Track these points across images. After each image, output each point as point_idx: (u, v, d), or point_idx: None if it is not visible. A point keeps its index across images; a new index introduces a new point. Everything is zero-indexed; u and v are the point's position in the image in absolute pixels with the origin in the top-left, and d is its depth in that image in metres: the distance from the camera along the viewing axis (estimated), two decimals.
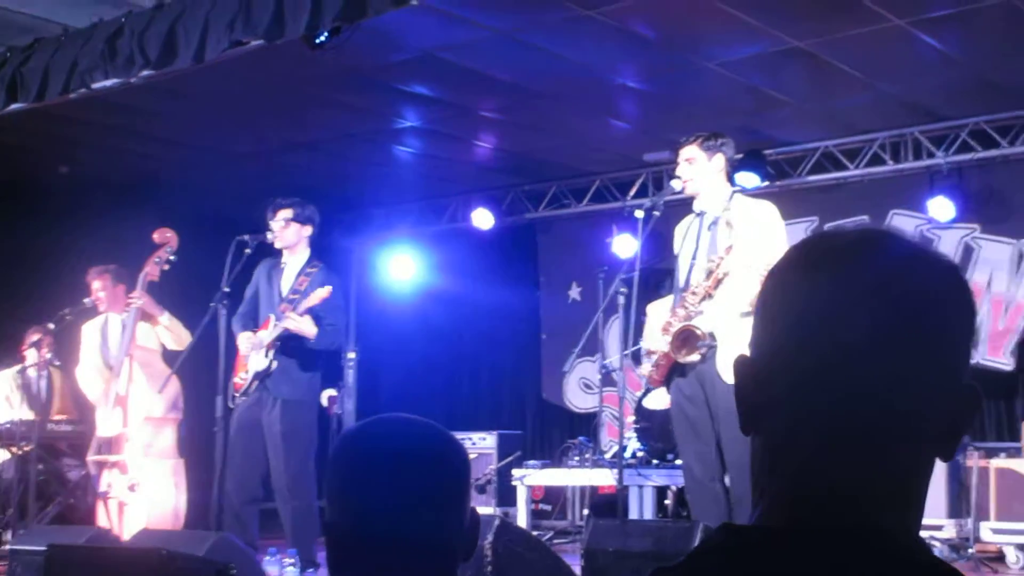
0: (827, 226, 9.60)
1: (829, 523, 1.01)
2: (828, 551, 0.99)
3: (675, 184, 5.82)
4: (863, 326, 1.02)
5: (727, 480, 5.54)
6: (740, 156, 9.13)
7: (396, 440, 1.74)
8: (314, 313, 6.60)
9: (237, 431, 6.64)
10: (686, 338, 5.52)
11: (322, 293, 6.51)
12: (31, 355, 8.50)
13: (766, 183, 9.67)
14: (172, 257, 7.31)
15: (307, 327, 6.57)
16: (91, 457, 7.22)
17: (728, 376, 5.39)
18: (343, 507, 1.73)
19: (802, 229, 9.79)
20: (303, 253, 6.88)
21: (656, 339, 5.69)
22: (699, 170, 5.69)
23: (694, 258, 5.67)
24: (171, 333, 7.44)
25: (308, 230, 6.88)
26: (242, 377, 6.71)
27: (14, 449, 8.12)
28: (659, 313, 5.84)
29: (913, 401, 1.03)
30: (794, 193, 9.85)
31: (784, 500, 1.05)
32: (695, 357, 5.49)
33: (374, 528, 1.69)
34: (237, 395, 6.69)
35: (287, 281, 6.79)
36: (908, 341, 1.02)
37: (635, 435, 8.19)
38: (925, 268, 1.07)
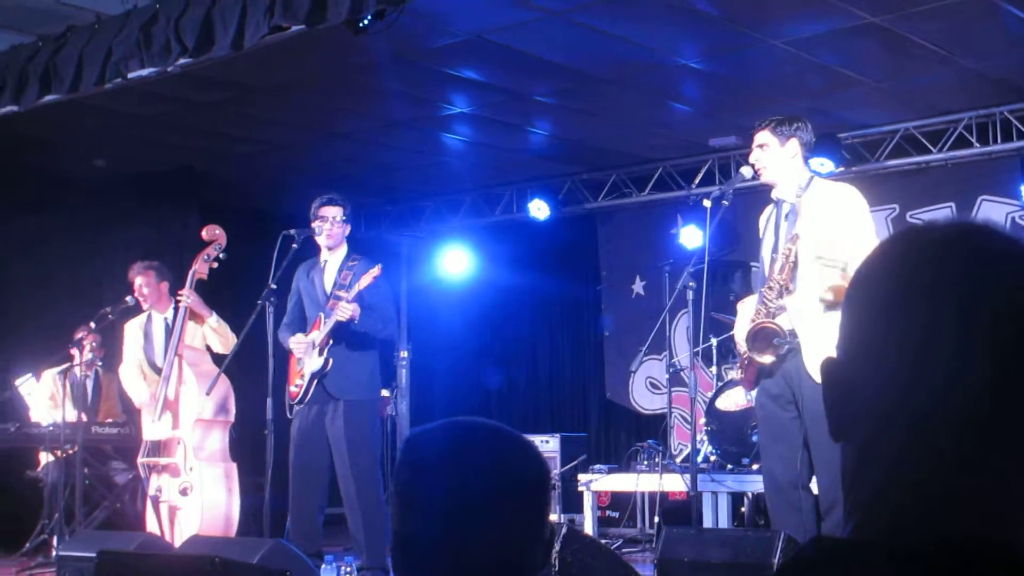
0: (910, 215, 9.53)
1: (929, 537, 0.99)
2: (931, 567, 0.97)
3: (745, 171, 5.78)
4: (955, 333, 0.99)
5: (814, 487, 5.43)
6: (814, 139, 9.10)
7: (468, 446, 1.72)
8: (365, 303, 6.65)
9: (299, 443, 6.69)
10: (761, 337, 5.47)
11: (374, 272, 6.56)
12: (75, 355, 8.62)
13: (841, 168, 9.61)
14: (222, 255, 7.40)
15: (356, 311, 6.59)
16: (141, 460, 7.33)
17: (817, 375, 5.33)
18: (410, 516, 1.72)
19: (882, 217, 9.72)
20: (343, 248, 6.97)
21: (743, 340, 5.64)
22: (772, 157, 5.61)
23: (774, 251, 5.58)
24: (218, 335, 7.53)
25: (349, 228, 7.00)
26: (297, 384, 6.75)
27: (58, 452, 8.28)
28: (747, 311, 5.73)
29: (1016, 407, 0.99)
30: (872, 179, 9.75)
31: (879, 512, 1.03)
32: (769, 358, 5.44)
33: (443, 541, 1.69)
34: (294, 403, 6.73)
35: (330, 278, 6.86)
36: (1009, 350, 0.98)
37: (707, 438, 8.17)
38: None
